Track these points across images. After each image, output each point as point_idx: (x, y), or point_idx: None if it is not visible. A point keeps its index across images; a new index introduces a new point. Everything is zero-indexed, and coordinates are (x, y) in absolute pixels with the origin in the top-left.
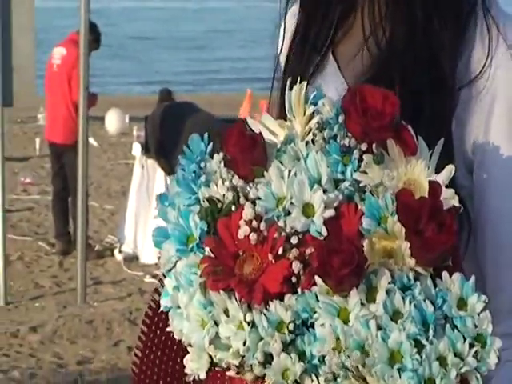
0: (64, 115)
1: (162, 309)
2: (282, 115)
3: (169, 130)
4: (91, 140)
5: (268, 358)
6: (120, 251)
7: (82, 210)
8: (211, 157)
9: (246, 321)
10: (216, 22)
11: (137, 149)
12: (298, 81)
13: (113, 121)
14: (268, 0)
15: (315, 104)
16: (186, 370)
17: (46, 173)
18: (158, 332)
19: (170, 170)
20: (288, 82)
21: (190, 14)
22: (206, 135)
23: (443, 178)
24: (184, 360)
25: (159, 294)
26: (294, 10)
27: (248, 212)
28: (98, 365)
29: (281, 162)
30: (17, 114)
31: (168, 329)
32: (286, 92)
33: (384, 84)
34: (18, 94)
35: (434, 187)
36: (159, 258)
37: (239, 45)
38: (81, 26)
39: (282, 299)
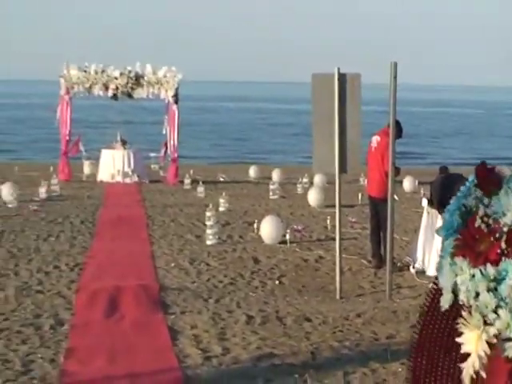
0: (378, 179)
1: (435, 273)
2: None
3: (445, 190)
4: (395, 196)
5: (479, 295)
6: (413, 267)
7: (390, 239)
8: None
9: (469, 274)
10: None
11: (424, 202)
12: None
13: (407, 184)
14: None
15: None
16: (440, 304)
17: (365, 215)
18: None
19: None
20: None
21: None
22: (470, 179)
23: None
24: (439, 300)
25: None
26: None
27: (481, 212)
28: (399, 340)
29: (509, 187)
30: (347, 178)
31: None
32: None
33: None
34: (349, 164)
35: None
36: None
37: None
38: (390, 122)
39: (495, 264)
